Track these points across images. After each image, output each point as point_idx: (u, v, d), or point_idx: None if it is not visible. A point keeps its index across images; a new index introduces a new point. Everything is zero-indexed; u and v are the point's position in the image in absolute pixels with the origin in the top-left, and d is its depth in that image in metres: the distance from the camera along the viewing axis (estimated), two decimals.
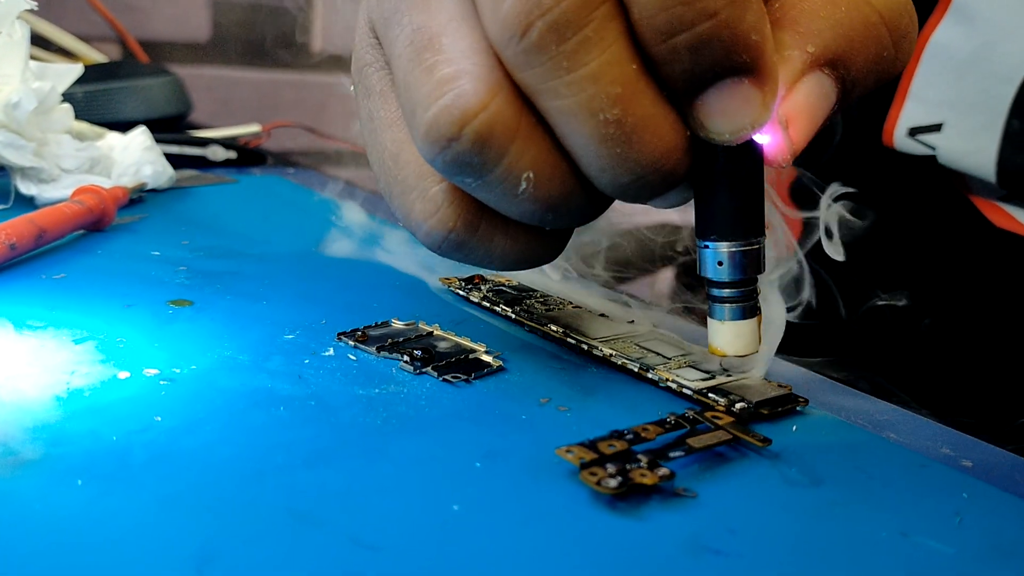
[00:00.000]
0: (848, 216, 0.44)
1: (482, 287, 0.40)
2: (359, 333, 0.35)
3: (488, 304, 0.39)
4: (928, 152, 0.52)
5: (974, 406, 0.52)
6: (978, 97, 0.50)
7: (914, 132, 0.53)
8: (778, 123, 0.29)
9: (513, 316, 0.38)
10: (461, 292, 0.40)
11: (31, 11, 0.50)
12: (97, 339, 0.33)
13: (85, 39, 0.82)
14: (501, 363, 0.34)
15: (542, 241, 0.32)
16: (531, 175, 0.29)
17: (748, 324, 0.31)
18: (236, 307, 0.38)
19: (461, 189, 0.31)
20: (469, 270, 0.44)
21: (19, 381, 0.29)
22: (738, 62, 0.27)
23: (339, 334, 0.35)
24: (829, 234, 0.41)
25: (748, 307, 0.31)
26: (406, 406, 0.30)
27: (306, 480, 0.25)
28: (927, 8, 0.52)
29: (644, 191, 0.29)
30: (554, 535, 0.24)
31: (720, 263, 0.31)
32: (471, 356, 0.34)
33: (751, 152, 0.30)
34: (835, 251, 0.39)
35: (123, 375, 0.30)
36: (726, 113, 0.28)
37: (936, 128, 0.52)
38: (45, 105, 0.50)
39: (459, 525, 0.24)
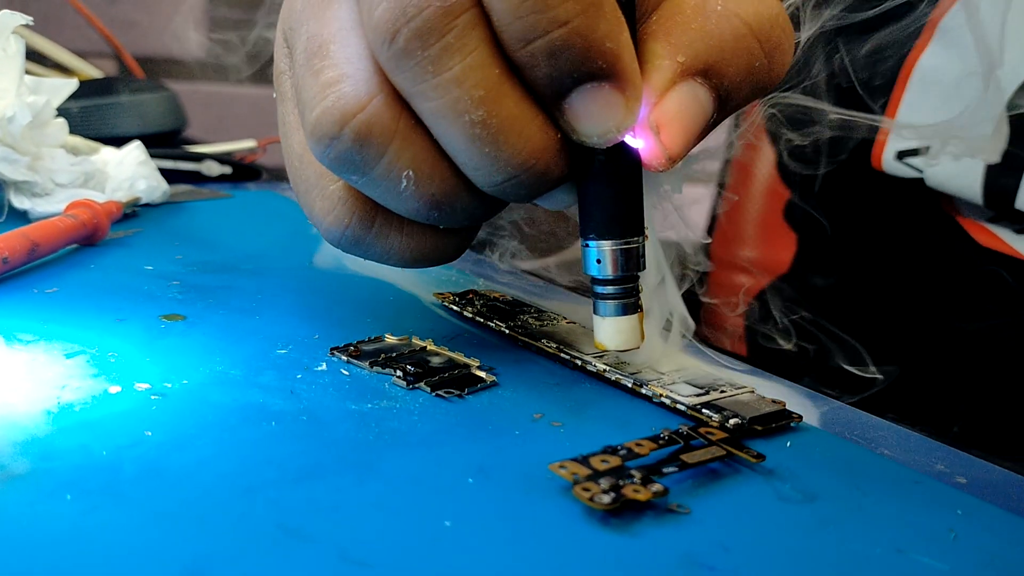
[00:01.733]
0: None
1: (476, 302, 0.40)
2: (352, 348, 0.35)
3: (482, 319, 0.39)
4: (916, 175, 0.53)
5: (962, 420, 0.52)
6: (964, 120, 0.50)
7: (902, 155, 0.53)
8: (649, 128, 0.31)
9: (507, 331, 0.38)
10: (455, 307, 0.40)
11: (27, 26, 0.50)
12: (89, 353, 0.33)
13: (82, 55, 0.82)
14: (494, 378, 0.34)
15: (440, 239, 0.34)
16: (411, 173, 0.31)
17: (628, 320, 0.33)
18: (229, 322, 0.37)
19: (355, 188, 0.33)
20: (464, 285, 0.44)
21: (9, 395, 0.29)
22: (595, 68, 0.29)
23: (332, 349, 0.35)
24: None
25: (628, 304, 0.33)
26: (398, 421, 0.30)
27: (297, 496, 0.25)
28: (913, 33, 0.53)
29: (521, 190, 0.31)
30: (547, 551, 0.24)
31: (599, 260, 0.32)
32: (464, 371, 0.34)
33: (626, 155, 0.31)
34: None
35: (114, 389, 0.30)
36: (590, 116, 0.30)
37: (923, 151, 0.52)
38: (40, 119, 0.50)
39: (451, 541, 0.24)
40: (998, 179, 0.49)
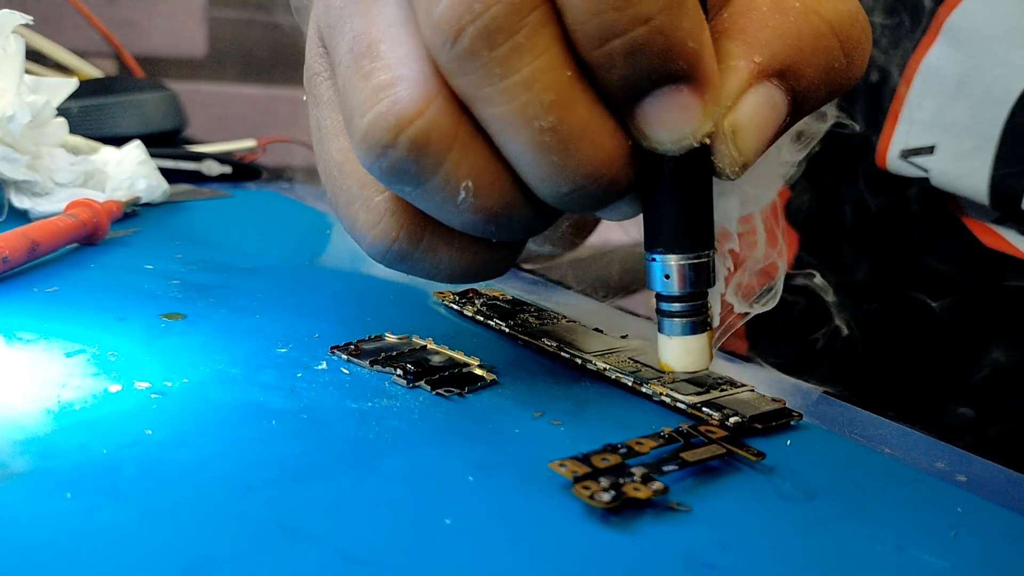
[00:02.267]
0: None
1: (476, 301, 0.40)
2: (352, 347, 0.35)
3: (482, 318, 0.39)
4: (921, 174, 0.52)
5: (963, 420, 0.52)
6: (970, 119, 0.50)
7: (907, 154, 0.53)
8: (723, 133, 0.29)
9: (507, 330, 0.38)
10: (455, 306, 0.40)
11: (27, 26, 0.50)
12: (89, 352, 0.33)
13: (82, 55, 0.82)
14: (494, 377, 0.34)
15: (490, 253, 0.32)
16: (470, 184, 0.28)
17: (698, 340, 0.31)
18: (229, 320, 0.37)
19: (404, 200, 0.31)
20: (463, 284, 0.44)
21: (9, 394, 0.29)
22: (675, 69, 0.27)
23: (332, 348, 0.35)
24: None
25: (698, 322, 0.31)
26: (399, 420, 0.30)
27: (297, 494, 0.25)
28: (919, 31, 0.52)
29: (586, 201, 0.29)
30: (547, 549, 0.24)
31: (667, 276, 0.30)
32: (464, 370, 0.34)
33: (697, 162, 0.29)
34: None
35: (114, 388, 0.30)
36: (666, 121, 0.28)
37: (929, 150, 0.52)
38: (40, 119, 0.50)
39: (451, 539, 0.24)
40: (1005, 180, 0.49)
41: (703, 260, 0.30)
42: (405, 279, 0.45)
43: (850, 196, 0.57)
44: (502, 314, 0.39)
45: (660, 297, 0.31)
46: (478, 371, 0.34)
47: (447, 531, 0.24)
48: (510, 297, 0.41)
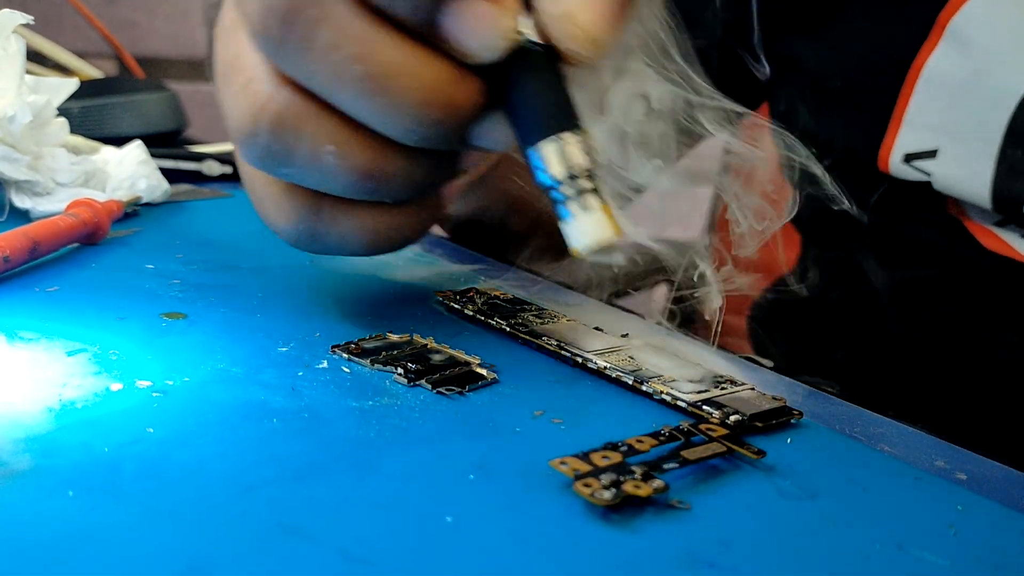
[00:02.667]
0: None
1: (477, 300, 0.40)
2: (353, 345, 0.35)
3: (482, 317, 0.39)
4: (923, 178, 0.52)
5: (964, 421, 0.52)
6: (973, 124, 0.50)
7: (909, 158, 0.53)
8: (554, 17, 0.29)
9: (507, 329, 0.38)
10: (456, 305, 0.40)
11: (27, 26, 0.50)
12: (90, 351, 0.33)
13: (82, 55, 0.82)
14: (495, 376, 0.34)
15: (393, 217, 0.35)
16: (332, 148, 0.31)
17: (591, 215, 0.30)
18: (230, 320, 0.37)
19: (293, 183, 0.34)
20: (465, 284, 0.44)
21: (11, 393, 0.29)
22: None
23: (333, 347, 0.35)
24: None
25: (587, 199, 0.30)
26: (400, 419, 0.30)
27: (297, 493, 0.25)
28: (921, 34, 0.52)
29: (439, 130, 0.31)
30: (548, 547, 0.24)
31: (542, 166, 0.30)
32: (465, 369, 0.34)
33: (537, 55, 0.30)
34: None
35: (116, 387, 0.30)
36: (467, 33, 0.29)
37: (931, 154, 0.52)
38: (40, 119, 0.50)
39: (452, 537, 0.24)
40: (1007, 183, 0.49)
41: (570, 142, 0.30)
42: (406, 278, 0.45)
43: (853, 198, 0.57)
44: (502, 313, 0.39)
45: (545, 189, 0.30)
46: (479, 370, 0.34)
47: (448, 529, 0.24)
48: (510, 296, 0.41)
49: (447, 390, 0.33)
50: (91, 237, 0.45)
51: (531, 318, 0.39)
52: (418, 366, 0.33)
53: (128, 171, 0.54)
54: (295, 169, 0.32)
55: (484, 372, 0.34)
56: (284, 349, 0.35)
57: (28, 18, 0.49)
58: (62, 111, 0.52)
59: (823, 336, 0.51)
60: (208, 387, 0.31)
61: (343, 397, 0.31)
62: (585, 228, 0.30)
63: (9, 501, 0.24)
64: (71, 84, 0.53)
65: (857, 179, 0.56)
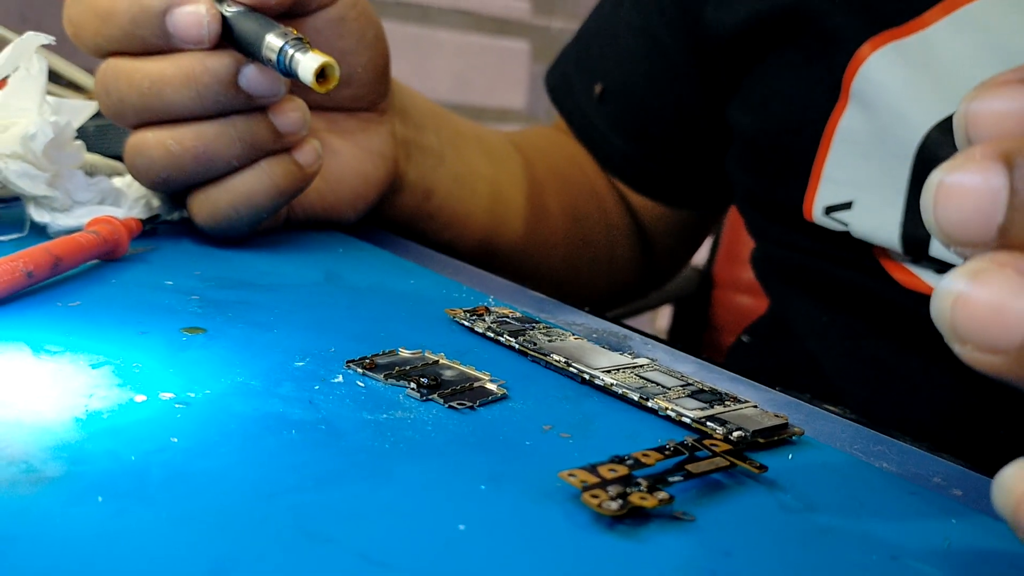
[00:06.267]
0: None
1: (486, 318, 0.41)
2: (367, 361, 0.36)
3: (492, 334, 0.40)
4: (843, 228, 0.56)
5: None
6: (881, 176, 0.54)
7: (829, 210, 0.57)
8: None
9: (517, 346, 0.39)
10: (466, 323, 0.41)
11: (47, 46, 0.51)
12: (113, 364, 0.34)
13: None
14: (505, 391, 0.35)
15: (247, 180, 0.50)
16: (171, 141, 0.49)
17: (311, 52, 0.45)
18: (248, 335, 0.38)
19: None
20: (475, 303, 0.45)
21: (39, 403, 0.30)
22: None
23: (348, 362, 0.36)
24: None
25: (304, 47, 0.45)
26: (413, 431, 0.31)
27: (317, 500, 0.26)
28: (832, 96, 0.56)
29: (216, 92, 0.48)
30: (557, 555, 0.25)
31: (274, 46, 0.46)
32: (476, 384, 0.35)
33: (236, 16, 0.47)
34: None
35: (139, 398, 0.31)
36: (186, 30, 0.47)
37: (847, 206, 0.56)
38: (60, 139, 0.51)
39: (465, 544, 0.25)
40: (913, 230, 0.52)
41: (280, 26, 0.46)
42: (416, 297, 0.46)
43: (793, 245, 0.61)
44: (512, 331, 0.40)
45: (280, 60, 0.46)
46: (489, 385, 0.35)
47: (461, 536, 0.25)
48: (519, 315, 0.42)
49: (458, 404, 0.34)
50: (111, 254, 0.47)
51: (540, 336, 0.40)
52: (430, 381, 0.34)
53: (143, 190, 0.55)
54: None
55: (494, 388, 0.35)
56: (300, 364, 0.36)
57: (50, 39, 0.50)
58: (78, 130, 0.53)
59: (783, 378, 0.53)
60: (228, 399, 0.32)
61: (358, 410, 0.33)
62: (310, 61, 0.45)
63: (42, 505, 0.25)
64: (91, 107, 0.54)
65: (790, 228, 0.60)
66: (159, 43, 0.47)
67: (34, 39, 0.50)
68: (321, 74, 0.45)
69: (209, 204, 0.50)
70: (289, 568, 0.23)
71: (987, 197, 0.22)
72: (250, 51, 0.47)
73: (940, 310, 0.23)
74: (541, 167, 0.75)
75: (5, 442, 0.27)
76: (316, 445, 0.30)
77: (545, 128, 0.84)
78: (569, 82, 0.77)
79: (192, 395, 0.32)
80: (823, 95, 0.57)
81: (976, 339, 0.22)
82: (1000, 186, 0.22)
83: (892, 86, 0.53)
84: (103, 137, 0.69)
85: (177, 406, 0.31)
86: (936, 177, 0.23)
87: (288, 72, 0.46)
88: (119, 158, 0.61)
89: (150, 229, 0.51)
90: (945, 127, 0.51)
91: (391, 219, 0.62)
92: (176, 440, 0.29)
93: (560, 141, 0.79)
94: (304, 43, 0.46)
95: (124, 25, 0.47)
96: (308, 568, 0.23)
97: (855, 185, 0.55)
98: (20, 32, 0.51)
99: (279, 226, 0.55)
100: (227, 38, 0.47)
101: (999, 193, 0.22)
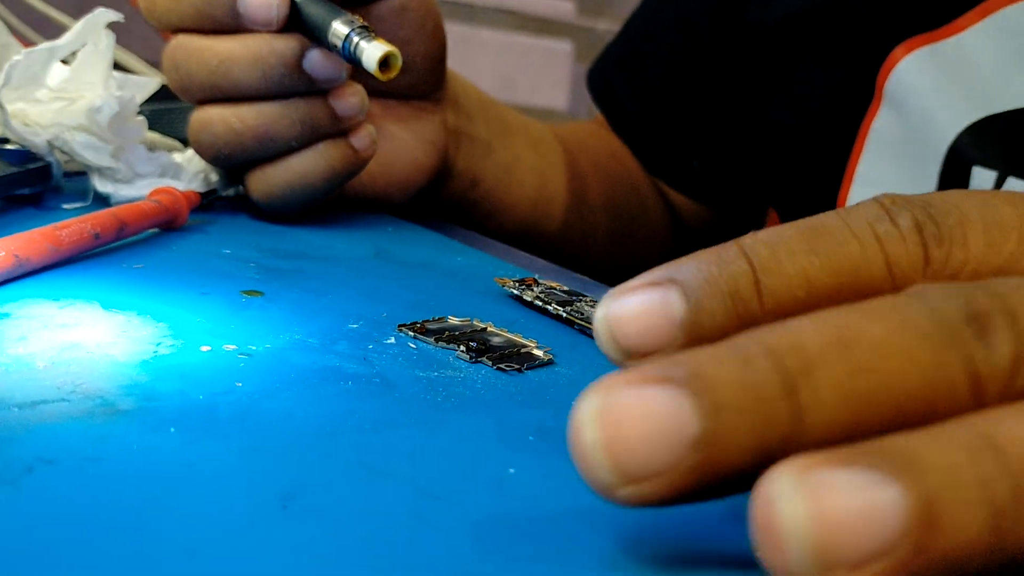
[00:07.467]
0: None
1: (535, 288, 0.43)
2: (418, 325, 0.38)
3: (540, 303, 0.41)
4: None
5: None
6: (913, 175, 0.55)
7: None
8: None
9: (564, 315, 0.40)
10: (515, 291, 0.42)
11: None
12: (177, 319, 0.36)
13: (150, 64, 0.86)
14: (551, 357, 0.36)
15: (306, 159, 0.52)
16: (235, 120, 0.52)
17: (376, 41, 0.47)
18: (303, 299, 0.40)
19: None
20: (522, 271, 0.46)
21: (110, 348, 0.32)
22: None
23: (399, 326, 0.38)
24: None
25: (370, 36, 0.47)
26: (463, 387, 0.33)
27: (375, 441, 0.28)
28: (866, 99, 0.57)
29: (281, 73, 0.50)
30: (601, 500, 0.26)
31: (340, 32, 0.47)
32: (523, 350, 0.36)
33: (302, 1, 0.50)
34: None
35: (204, 348, 0.33)
36: (256, 12, 0.49)
37: None
38: (124, 113, 0.53)
39: (515, 485, 0.26)
40: None
41: (346, 14, 0.48)
42: (465, 270, 0.47)
43: None
44: (559, 301, 0.41)
45: (346, 48, 0.48)
46: (536, 351, 0.36)
47: (512, 478, 0.27)
48: (567, 288, 0.44)
49: (507, 367, 0.35)
50: (171, 223, 0.48)
51: (587, 307, 0.41)
52: (479, 345, 0.36)
53: (201, 165, 0.56)
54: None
55: (541, 354, 0.36)
56: (354, 326, 0.37)
57: (119, 16, 0.52)
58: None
59: None
60: (288, 353, 0.34)
61: (411, 368, 0.34)
62: (375, 50, 0.46)
63: (119, 434, 0.26)
64: (154, 83, 0.56)
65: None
66: (229, 23, 0.49)
67: (104, 15, 0.52)
68: (384, 63, 0.47)
69: (265, 182, 0.52)
70: (353, 497, 0.24)
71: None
72: (316, 36, 0.49)
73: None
74: (584, 161, 0.76)
75: (81, 379, 0.29)
76: (372, 395, 0.31)
77: (587, 123, 0.85)
78: (610, 81, 0.79)
79: (253, 348, 0.34)
80: (857, 96, 0.58)
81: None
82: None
83: (924, 89, 0.54)
84: (159, 120, 0.71)
85: (240, 356, 0.33)
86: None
87: (352, 59, 0.48)
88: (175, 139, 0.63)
89: (207, 203, 0.53)
90: (975, 130, 0.52)
91: (438, 204, 0.64)
92: (240, 384, 0.30)
93: (602, 136, 0.81)
94: (369, 31, 0.47)
95: (197, 3, 0.49)
96: (370, 495, 0.25)
97: (886, 185, 0.56)
98: (77, 19, 0.53)
99: (330, 203, 0.57)
100: (294, 22, 0.49)
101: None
